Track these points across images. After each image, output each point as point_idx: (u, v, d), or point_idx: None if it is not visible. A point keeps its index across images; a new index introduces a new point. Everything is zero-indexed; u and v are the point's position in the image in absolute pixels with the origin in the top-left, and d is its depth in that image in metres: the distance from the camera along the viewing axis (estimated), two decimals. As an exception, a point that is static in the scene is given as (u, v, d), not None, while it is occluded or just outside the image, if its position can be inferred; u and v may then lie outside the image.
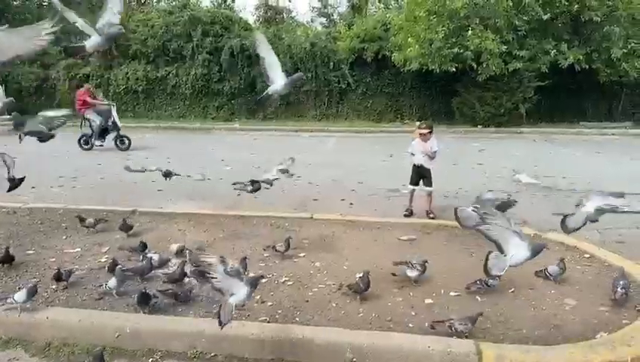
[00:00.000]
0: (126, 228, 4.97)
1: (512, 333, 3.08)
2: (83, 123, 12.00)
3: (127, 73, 19.86)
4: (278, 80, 4.15)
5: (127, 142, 11.94)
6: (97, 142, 11.80)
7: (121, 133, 11.99)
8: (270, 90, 4.21)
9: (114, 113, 11.88)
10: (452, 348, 2.84)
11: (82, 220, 5.09)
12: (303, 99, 19.42)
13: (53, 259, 4.37)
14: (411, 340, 2.93)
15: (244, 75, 19.21)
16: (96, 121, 11.68)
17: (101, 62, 20.05)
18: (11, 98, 4.51)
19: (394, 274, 3.88)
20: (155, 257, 4.04)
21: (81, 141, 11.89)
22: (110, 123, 11.77)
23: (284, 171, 4.81)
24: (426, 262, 3.82)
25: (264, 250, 4.46)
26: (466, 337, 2.95)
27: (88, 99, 11.84)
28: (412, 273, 3.78)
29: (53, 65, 20.93)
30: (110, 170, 9.28)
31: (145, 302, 3.26)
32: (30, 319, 3.22)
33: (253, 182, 4.84)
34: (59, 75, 20.59)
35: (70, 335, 3.17)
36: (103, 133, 11.81)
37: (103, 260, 4.34)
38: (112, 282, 3.54)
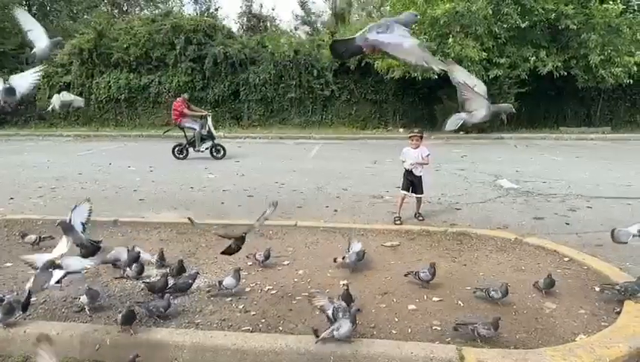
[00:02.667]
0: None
1: (495, 337, 3.10)
2: (184, 133, 11.94)
3: (108, 82, 19.69)
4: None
5: (222, 151, 11.84)
6: (198, 149, 11.72)
7: (217, 142, 11.91)
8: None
9: (209, 122, 11.83)
10: (434, 353, 2.86)
11: (23, 236, 4.88)
12: (287, 107, 19.45)
13: (32, 272, 4.28)
14: (394, 346, 2.93)
15: (228, 83, 19.19)
16: (194, 130, 11.65)
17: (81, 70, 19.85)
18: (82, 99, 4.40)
19: (406, 275, 3.97)
20: (133, 269, 4.00)
21: (176, 150, 11.84)
22: (205, 132, 11.70)
23: (358, 255, 4.27)
24: (434, 264, 3.88)
25: (247, 257, 4.44)
26: (489, 341, 2.98)
27: (186, 110, 11.80)
28: (425, 276, 3.85)
29: (33, 74, 20.65)
30: (91, 179, 9.17)
31: (129, 321, 3.16)
32: (6, 333, 3.15)
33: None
34: (39, 84, 20.28)
35: (48, 349, 3.11)
36: (195, 141, 11.78)
37: (83, 271, 4.26)
38: (85, 298, 3.48)
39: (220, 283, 3.74)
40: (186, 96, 12.45)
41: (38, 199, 7.57)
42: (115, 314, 3.41)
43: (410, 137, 6.24)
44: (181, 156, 11.77)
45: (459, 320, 3.25)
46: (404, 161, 6.19)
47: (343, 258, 4.30)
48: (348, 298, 3.38)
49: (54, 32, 24.79)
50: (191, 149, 11.78)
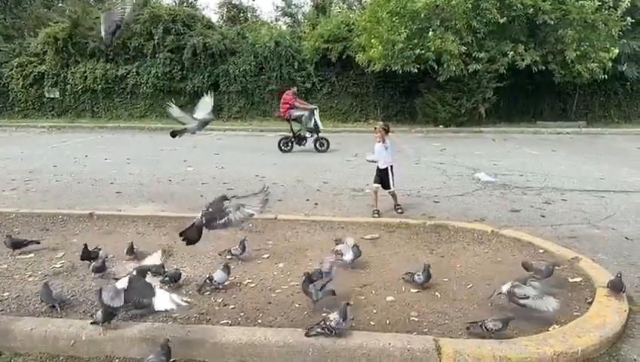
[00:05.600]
0: (13, 244, 4.47)
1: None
2: (291, 126, 11.92)
3: (84, 72, 19.22)
4: None
5: (326, 144, 11.82)
6: (299, 145, 11.72)
7: (321, 135, 11.82)
8: None
9: (316, 116, 11.73)
10: (412, 344, 2.89)
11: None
12: (268, 99, 19.30)
13: (5, 266, 4.20)
14: (372, 338, 2.96)
15: (207, 74, 18.94)
16: (304, 113, 11.60)
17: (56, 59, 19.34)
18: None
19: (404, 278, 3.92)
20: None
21: (281, 143, 11.81)
22: (312, 125, 11.62)
23: (355, 252, 4.20)
24: (429, 267, 3.78)
25: (219, 254, 4.39)
26: (497, 336, 2.97)
27: (296, 103, 11.77)
28: (419, 279, 3.77)
29: (6, 64, 20.06)
30: (66, 171, 8.98)
31: (110, 317, 3.08)
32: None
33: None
34: (12, 74, 19.75)
35: (22, 345, 3.05)
36: (304, 135, 11.75)
37: (57, 266, 4.19)
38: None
39: (211, 279, 3.72)
40: (294, 89, 12.48)
41: (11, 192, 7.38)
42: (91, 309, 3.36)
43: (375, 128, 6.22)
44: (286, 149, 11.78)
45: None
46: (372, 161, 6.22)
47: (339, 255, 4.22)
48: (307, 283, 3.42)
49: (27, 21, 24.10)
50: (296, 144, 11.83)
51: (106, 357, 2.99)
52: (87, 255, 4.13)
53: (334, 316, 2.99)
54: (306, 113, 11.63)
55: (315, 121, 11.69)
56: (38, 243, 4.61)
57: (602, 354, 2.99)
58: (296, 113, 11.74)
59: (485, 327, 3.01)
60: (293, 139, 11.83)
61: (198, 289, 3.73)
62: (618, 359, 2.97)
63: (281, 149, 11.77)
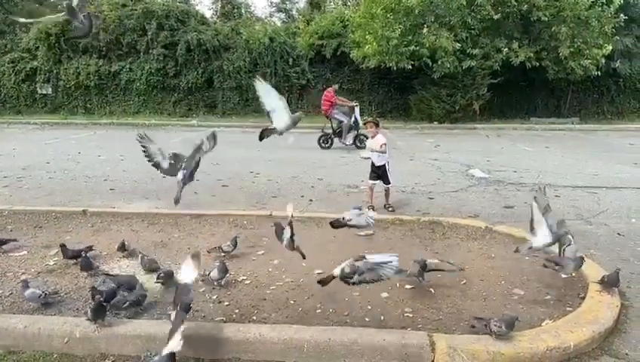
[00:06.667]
0: None
1: (464, 324, 3.17)
2: (331, 123, 12.01)
3: (77, 68, 19.12)
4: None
5: (365, 141, 11.66)
6: (344, 141, 11.76)
7: (361, 132, 11.76)
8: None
9: (357, 113, 11.81)
10: (406, 339, 2.90)
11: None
12: (262, 95, 19.24)
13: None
14: (367, 334, 2.97)
15: (201, 70, 18.87)
16: (343, 120, 11.70)
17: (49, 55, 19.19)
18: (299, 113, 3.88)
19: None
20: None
21: (321, 140, 11.90)
22: (352, 122, 11.70)
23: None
24: (425, 261, 3.77)
25: (208, 252, 4.36)
26: (500, 337, 2.93)
27: (337, 101, 11.84)
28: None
29: (-3, 59, 19.91)
30: (60, 168, 8.93)
31: (100, 315, 3.06)
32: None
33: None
34: (4, 70, 19.58)
35: (15, 343, 3.03)
36: (342, 132, 11.80)
37: (51, 263, 4.17)
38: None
39: (207, 275, 3.72)
40: (336, 87, 12.54)
41: (4, 189, 7.33)
42: (85, 306, 3.35)
43: (364, 123, 6.24)
44: (326, 146, 11.85)
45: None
46: (366, 158, 6.23)
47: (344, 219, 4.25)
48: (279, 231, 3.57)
49: (20, 15, 23.86)
50: (336, 139, 11.88)
51: (100, 354, 2.97)
52: (68, 254, 4.09)
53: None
54: (345, 120, 11.71)
55: (355, 118, 11.77)
56: (16, 240, 4.57)
57: (594, 349, 3.02)
58: (336, 117, 11.84)
59: (489, 328, 2.96)
60: (332, 136, 11.90)
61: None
62: (610, 354, 3.00)
63: (320, 146, 11.85)
